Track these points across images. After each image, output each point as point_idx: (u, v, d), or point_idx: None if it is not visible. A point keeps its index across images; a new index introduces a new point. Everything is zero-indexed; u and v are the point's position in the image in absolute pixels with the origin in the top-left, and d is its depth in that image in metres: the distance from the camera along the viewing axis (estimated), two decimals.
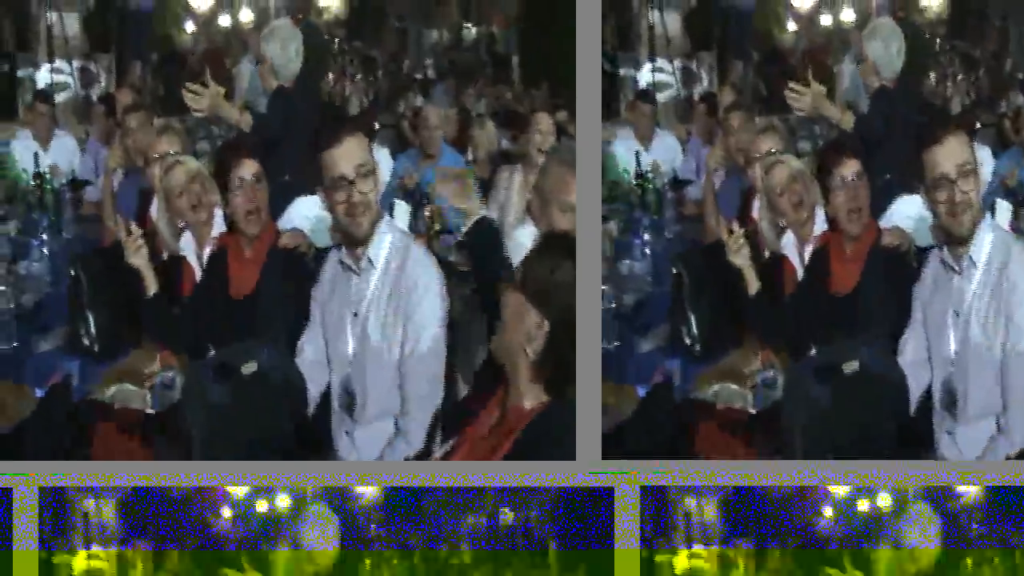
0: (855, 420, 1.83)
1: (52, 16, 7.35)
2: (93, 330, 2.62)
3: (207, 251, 2.78)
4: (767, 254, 2.93)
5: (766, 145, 3.23)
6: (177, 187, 2.86)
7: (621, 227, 3.45)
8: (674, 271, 2.79)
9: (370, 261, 2.32)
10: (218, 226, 2.81)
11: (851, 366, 1.90)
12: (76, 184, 4.90)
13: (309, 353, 2.36)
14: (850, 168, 2.64)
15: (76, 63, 7.42)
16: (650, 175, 4.10)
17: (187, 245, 2.89)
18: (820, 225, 2.83)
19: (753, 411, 2.38)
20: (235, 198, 2.61)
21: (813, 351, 2.33)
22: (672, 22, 6.45)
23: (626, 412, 2.44)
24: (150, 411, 2.19)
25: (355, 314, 2.33)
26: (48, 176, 4.93)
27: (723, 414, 2.18)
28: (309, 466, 1.90)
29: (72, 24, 7.47)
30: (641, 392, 2.55)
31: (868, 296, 2.46)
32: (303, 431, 2.12)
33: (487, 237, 2.89)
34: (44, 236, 3.45)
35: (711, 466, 2.04)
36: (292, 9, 7.06)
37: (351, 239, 2.35)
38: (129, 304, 2.59)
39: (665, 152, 4.59)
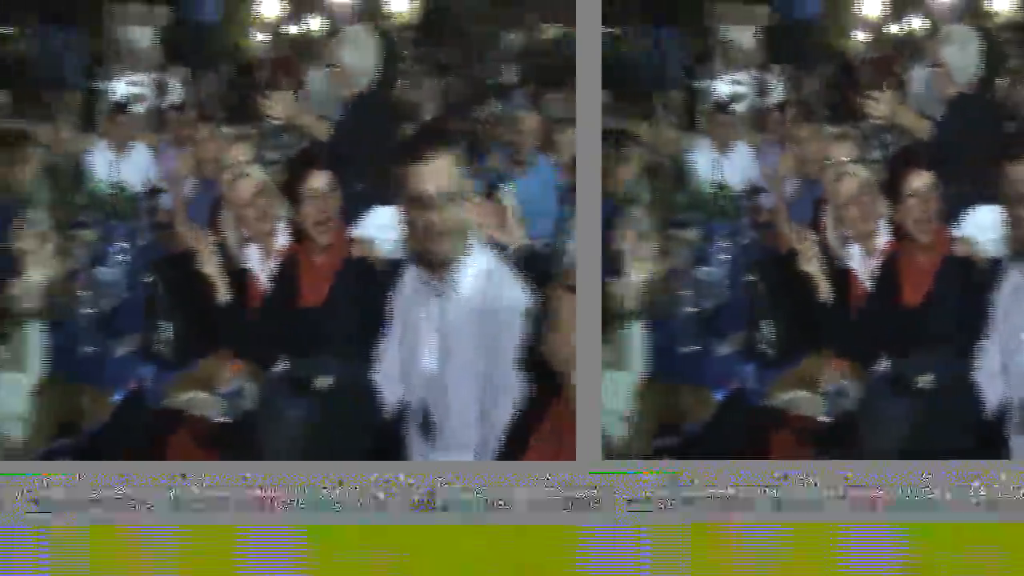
0: (930, 433, 1.80)
1: (128, 30, 7.59)
2: (167, 336, 2.68)
3: (272, 263, 2.84)
4: (835, 264, 2.89)
5: (839, 153, 3.20)
6: (243, 199, 2.94)
7: (701, 234, 3.55)
8: (749, 278, 2.72)
9: (454, 285, 2.30)
10: (282, 238, 2.88)
11: (926, 379, 1.88)
12: (151, 192, 5.04)
13: (387, 366, 2.36)
14: (922, 178, 2.59)
15: (151, 75, 7.68)
16: (726, 184, 4.24)
17: (253, 257, 2.96)
18: (886, 237, 2.78)
19: (825, 420, 2.36)
20: (306, 208, 2.64)
21: (885, 363, 2.29)
22: (746, 35, 6.71)
23: (704, 416, 2.45)
24: (223, 420, 2.23)
25: (437, 333, 2.30)
26: (124, 184, 5.08)
27: (796, 421, 2.16)
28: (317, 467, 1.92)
29: (146, 37, 7.71)
30: (718, 396, 2.56)
31: (940, 307, 2.40)
32: (379, 442, 2.13)
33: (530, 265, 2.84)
34: (121, 243, 3.54)
35: (711, 466, 2.12)
36: (363, 15, 7.19)
37: (428, 260, 2.32)
38: (201, 312, 2.65)
39: (741, 161, 4.67)
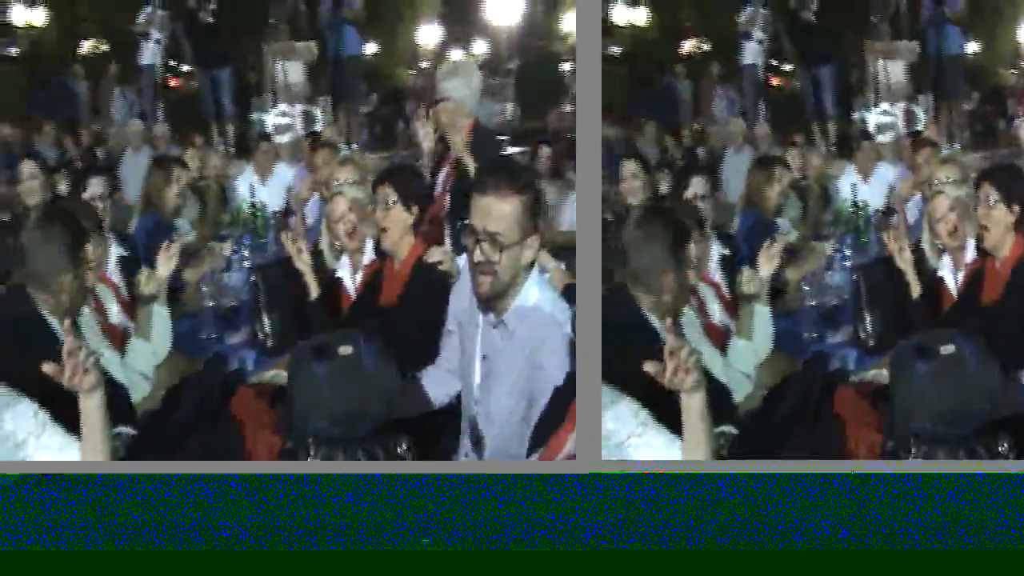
0: (946, 395, 2.14)
1: (280, 65, 8.33)
2: (267, 329, 3.16)
3: (359, 274, 3.18)
4: (929, 271, 3.29)
5: (943, 174, 3.52)
6: (336, 214, 3.26)
7: (835, 246, 4.18)
8: (853, 279, 3.45)
9: (503, 322, 2.28)
10: (369, 254, 3.19)
11: (947, 349, 2.20)
12: (285, 212, 5.64)
13: (435, 369, 2.47)
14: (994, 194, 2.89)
15: (299, 107, 8.42)
16: (865, 204, 4.91)
17: (344, 268, 3.32)
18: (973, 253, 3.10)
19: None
20: (380, 221, 2.96)
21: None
22: (896, 69, 7.22)
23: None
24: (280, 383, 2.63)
25: (484, 357, 2.32)
26: (261, 205, 5.71)
27: (861, 386, 2.49)
28: (317, 465, 2.13)
29: (297, 72, 8.44)
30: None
31: (1010, 304, 2.67)
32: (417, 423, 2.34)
33: None
34: (245, 252, 4.10)
35: (712, 465, 2.20)
36: (523, 46, 7.66)
37: (478, 297, 2.32)
38: (295, 309, 3.11)
39: (880, 185, 5.45)
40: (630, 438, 2.07)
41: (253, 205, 5.67)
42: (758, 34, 7.54)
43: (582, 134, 2.41)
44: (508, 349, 2.26)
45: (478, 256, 2.26)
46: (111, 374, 2.52)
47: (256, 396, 2.11)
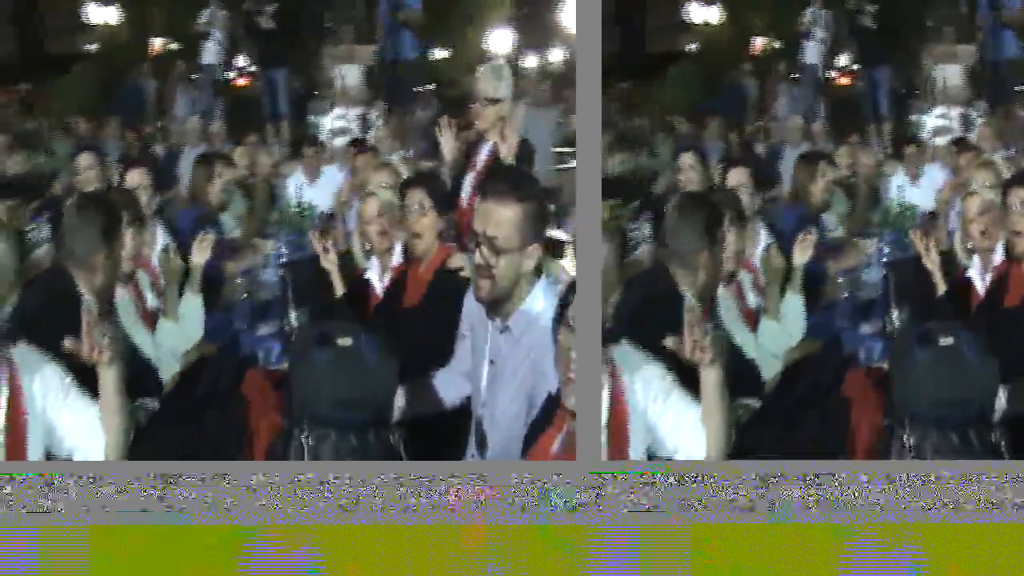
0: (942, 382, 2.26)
1: (339, 68, 8.57)
2: (293, 323, 3.34)
3: (387, 276, 3.28)
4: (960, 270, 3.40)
5: (980, 177, 3.61)
6: (367, 216, 3.37)
7: (878, 244, 4.39)
8: (884, 275, 3.63)
9: (508, 328, 2.33)
10: (398, 257, 3.29)
11: (946, 340, 2.34)
12: (329, 214, 5.85)
13: (447, 371, 2.54)
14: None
15: (356, 110, 8.65)
16: (911, 204, 5.26)
17: (373, 269, 3.42)
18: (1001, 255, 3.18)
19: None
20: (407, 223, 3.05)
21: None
22: (953, 73, 7.45)
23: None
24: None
25: (491, 362, 2.37)
26: (308, 205, 5.95)
27: (870, 371, 2.65)
28: (311, 465, 2.19)
29: (354, 75, 8.67)
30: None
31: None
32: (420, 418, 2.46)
33: None
34: (284, 250, 4.32)
35: (711, 465, 2.31)
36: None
37: (478, 300, 2.37)
38: (321, 305, 3.29)
39: (929, 187, 5.73)
40: (655, 401, 2.17)
41: (299, 205, 5.92)
42: (819, 34, 7.63)
43: (582, 133, 2.42)
44: (513, 354, 2.32)
45: (478, 259, 2.32)
46: (143, 353, 2.78)
47: (264, 379, 2.31)
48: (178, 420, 2.24)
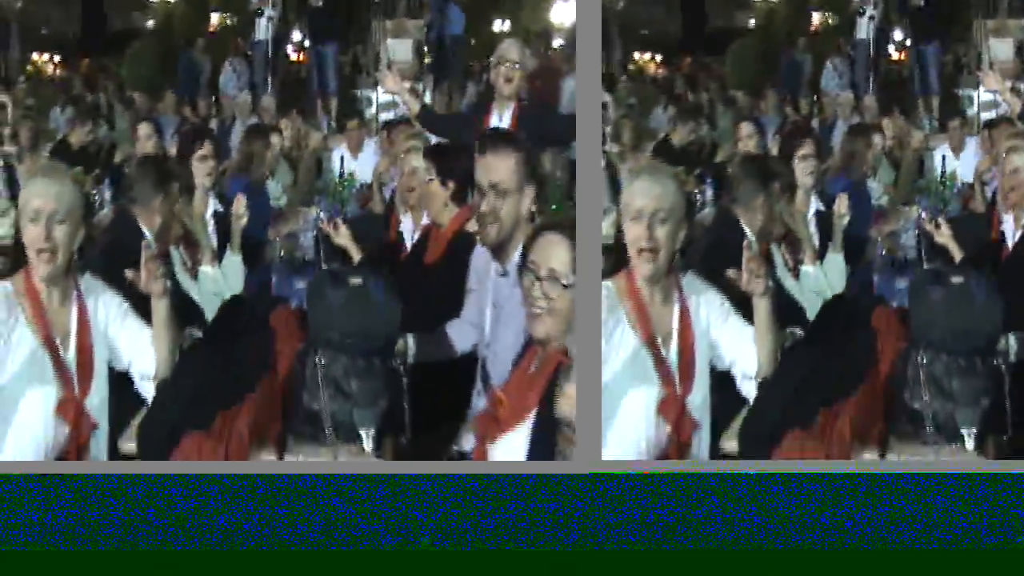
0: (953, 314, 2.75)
1: (388, 42, 8.97)
2: None
3: (417, 233, 3.79)
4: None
5: (1012, 143, 4.01)
6: (404, 184, 3.89)
7: (919, 212, 4.88)
8: (916, 235, 4.21)
9: (508, 272, 2.70)
10: (426, 216, 3.72)
11: (958, 279, 2.84)
12: (371, 185, 6.32)
13: (458, 321, 2.93)
14: None
15: (406, 84, 9.04)
16: (953, 175, 5.75)
17: (406, 226, 3.96)
18: None
19: None
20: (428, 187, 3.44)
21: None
22: (1004, 48, 7.76)
23: None
24: None
25: (494, 305, 2.78)
26: (349, 177, 6.45)
27: (897, 309, 3.05)
28: (310, 464, 2.56)
29: (405, 50, 9.08)
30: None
31: None
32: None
33: None
34: (323, 215, 4.84)
35: (710, 466, 2.65)
36: None
37: (485, 246, 2.80)
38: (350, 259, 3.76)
39: (970, 159, 6.22)
40: (715, 322, 2.61)
41: (341, 176, 6.44)
42: (870, 10, 8.02)
43: (582, 133, 2.62)
44: (513, 296, 2.62)
45: (484, 207, 2.76)
46: (189, 294, 3.35)
47: (290, 314, 2.78)
48: (216, 344, 2.76)
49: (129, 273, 2.57)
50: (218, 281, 3.45)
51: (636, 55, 9.03)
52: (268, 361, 2.63)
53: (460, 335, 3.02)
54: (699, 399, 2.62)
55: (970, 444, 2.66)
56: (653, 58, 9.19)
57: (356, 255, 3.65)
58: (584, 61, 2.64)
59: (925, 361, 2.71)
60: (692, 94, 8.33)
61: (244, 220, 3.75)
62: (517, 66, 4.24)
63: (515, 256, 2.72)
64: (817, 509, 2.64)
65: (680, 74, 8.90)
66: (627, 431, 2.56)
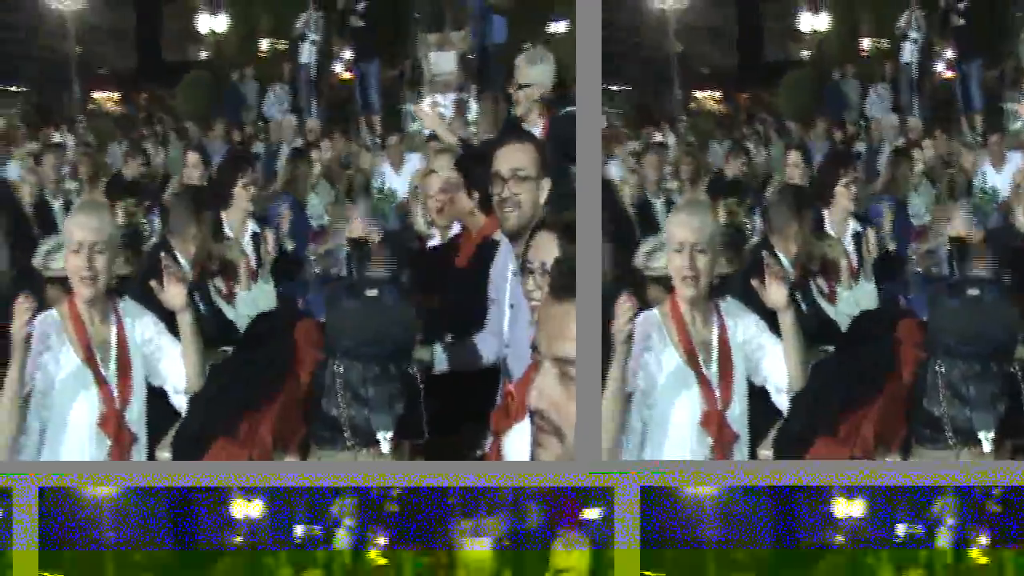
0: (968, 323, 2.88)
1: (432, 55, 9.21)
2: None
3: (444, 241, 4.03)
4: None
5: None
6: (429, 191, 4.02)
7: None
8: (947, 250, 4.35)
9: (521, 265, 2.76)
10: (457, 227, 3.92)
11: (973, 291, 3.00)
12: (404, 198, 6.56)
13: (484, 330, 3.05)
14: None
15: (452, 96, 9.28)
16: (992, 188, 6.24)
17: (436, 240, 4.17)
18: None
19: None
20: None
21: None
22: None
23: None
24: None
25: (511, 306, 2.88)
26: (390, 191, 6.71)
27: (920, 321, 3.17)
28: (307, 465, 2.68)
29: (449, 61, 9.30)
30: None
31: None
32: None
33: None
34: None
35: (710, 466, 2.76)
36: None
37: (506, 233, 2.93)
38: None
39: (1010, 170, 6.48)
40: (750, 340, 2.85)
41: (381, 191, 6.72)
42: (913, 34, 8.30)
43: (582, 133, 2.66)
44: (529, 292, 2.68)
45: (505, 194, 2.84)
46: (226, 315, 3.63)
47: (312, 326, 3.01)
48: (242, 356, 3.02)
49: (153, 283, 2.86)
50: (253, 304, 3.72)
51: (697, 93, 9.38)
52: (289, 368, 2.86)
53: (486, 346, 3.18)
54: (738, 411, 2.84)
55: (988, 447, 2.78)
56: (712, 95, 9.52)
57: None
58: (584, 62, 2.71)
59: (942, 368, 2.85)
60: (748, 127, 8.62)
61: (273, 255, 3.98)
62: (535, 88, 4.24)
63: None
64: (817, 510, 2.71)
65: (737, 108, 9.24)
66: (674, 442, 2.79)
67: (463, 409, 3.08)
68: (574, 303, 1.50)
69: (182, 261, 3.44)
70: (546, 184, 2.91)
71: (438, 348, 3.21)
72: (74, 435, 2.79)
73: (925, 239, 4.86)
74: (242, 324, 3.63)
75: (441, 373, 3.16)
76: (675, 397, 2.79)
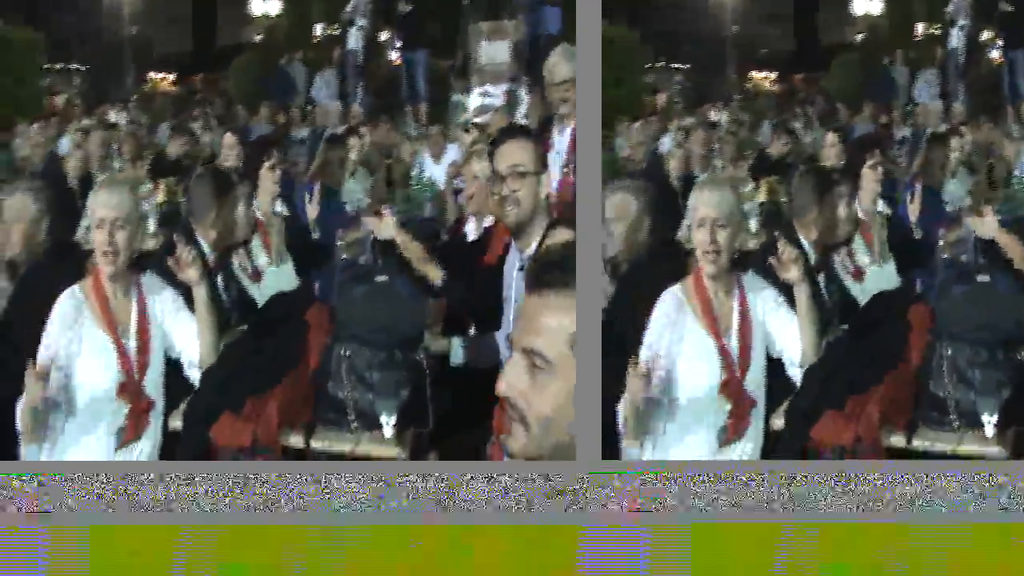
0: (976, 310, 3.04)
1: (484, 44, 9.25)
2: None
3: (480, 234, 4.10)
4: None
5: None
6: (468, 188, 4.18)
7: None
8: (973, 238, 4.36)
9: (522, 266, 2.89)
10: (491, 218, 3.98)
11: (983, 278, 3.11)
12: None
13: (505, 323, 3.10)
14: None
15: (503, 86, 9.32)
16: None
17: (470, 230, 4.27)
18: None
19: None
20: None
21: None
22: None
23: None
24: None
25: (516, 302, 2.97)
26: (430, 181, 6.81)
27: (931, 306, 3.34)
28: (305, 466, 2.76)
29: (502, 51, 9.33)
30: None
31: None
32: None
33: None
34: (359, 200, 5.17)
35: (709, 466, 2.84)
36: None
37: (511, 231, 3.00)
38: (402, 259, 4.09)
39: None
40: (769, 314, 2.99)
41: (420, 181, 6.81)
42: (961, 20, 8.25)
43: (582, 133, 2.76)
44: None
45: (504, 191, 2.93)
46: (250, 295, 3.77)
47: (323, 310, 3.13)
48: (255, 337, 3.15)
49: (170, 260, 3.00)
50: (275, 283, 3.85)
51: (753, 74, 9.49)
52: (299, 352, 2.98)
53: (503, 343, 3.22)
54: (755, 381, 2.99)
55: (990, 432, 2.84)
56: (767, 76, 9.60)
57: (408, 249, 3.90)
58: (584, 61, 2.74)
59: (948, 352, 2.89)
60: (799, 108, 8.67)
61: (281, 236, 4.10)
62: (567, 85, 4.13)
63: (530, 249, 2.92)
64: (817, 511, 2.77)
65: (792, 90, 9.31)
66: (695, 408, 2.92)
67: (477, 403, 3.19)
68: (547, 296, 1.54)
69: (200, 241, 3.54)
70: (545, 179, 2.97)
71: (456, 341, 3.28)
72: (95, 401, 2.91)
73: (956, 227, 4.78)
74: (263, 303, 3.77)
75: (458, 367, 3.22)
76: (696, 365, 2.93)
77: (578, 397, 1.48)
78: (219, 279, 3.52)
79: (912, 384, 3.02)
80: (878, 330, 3.17)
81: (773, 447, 2.95)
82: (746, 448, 2.92)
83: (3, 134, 7.49)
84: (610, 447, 2.73)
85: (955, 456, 2.92)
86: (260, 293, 3.82)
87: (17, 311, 3.22)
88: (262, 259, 4.03)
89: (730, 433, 2.90)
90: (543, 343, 1.53)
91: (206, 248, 3.53)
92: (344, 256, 4.76)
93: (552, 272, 1.55)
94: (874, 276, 3.92)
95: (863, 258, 4.04)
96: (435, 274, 3.44)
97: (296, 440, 2.86)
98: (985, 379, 2.91)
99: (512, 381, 1.55)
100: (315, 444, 2.86)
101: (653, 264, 3.30)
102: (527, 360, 1.55)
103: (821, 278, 3.58)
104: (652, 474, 2.67)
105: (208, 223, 3.58)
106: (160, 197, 5.02)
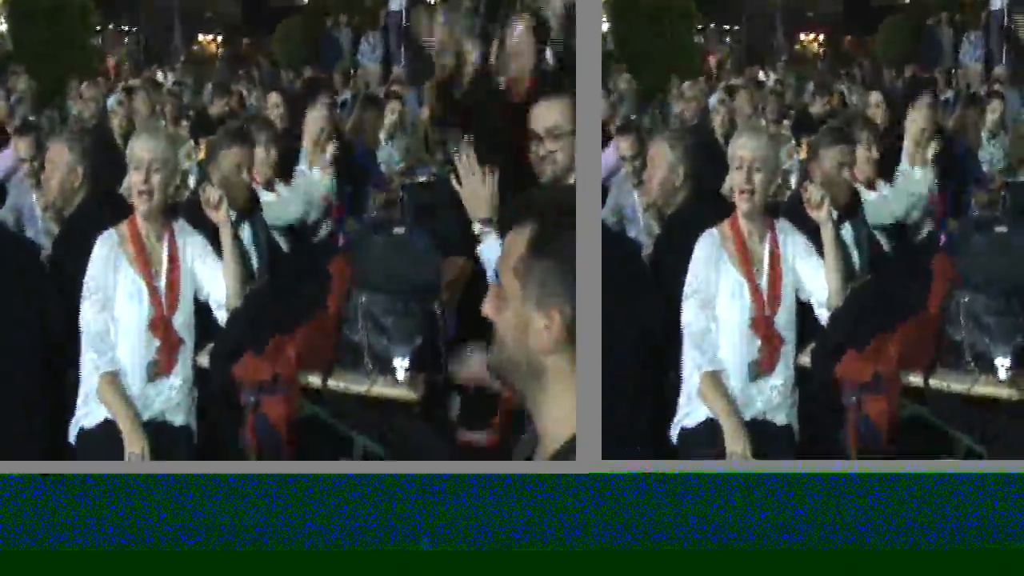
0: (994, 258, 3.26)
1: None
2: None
3: None
4: None
5: None
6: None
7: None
8: (1002, 194, 4.74)
9: None
10: None
11: (1000, 228, 3.32)
12: None
13: None
14: None
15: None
16: None
17: None
18: None
19: None
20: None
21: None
22: None
23: None
24: None
25: None
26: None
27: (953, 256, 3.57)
28: (305, 466, 2.87)
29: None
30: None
31: None
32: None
33: None
34: (420, 179, 5.39)
35: (709, 466, 2.93)
36: None
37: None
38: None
39: None
40: (798, 256, 3.24)
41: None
42: None
43: (582, 132, 2.74)
44: None
45: (542, 152, 3.06)
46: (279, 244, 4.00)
47: (346, 260, 3.33)
48: (284, 282, 3.37)
49: (202, 197, 3.27)
50: (312, 183, 4.03)
51: (802, 35, 9.59)
52: (323, 298, 3.19)
53: None
54: (784, 319, 3.26)
55: (1003, 375, 3.09)
56: (816, 38, 9.68)
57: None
58: (584, 59, 2.79)
59: (966, 300, 3.15)
60: (845, 70, 8.74)
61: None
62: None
63: None
64: (818, 511, 2.79)
65: (839, 52, 9.36)
66: (728, 342, 3.18)
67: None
68: (520, 230, 1.56)
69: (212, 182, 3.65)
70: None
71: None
72: (129, 335, 3.19)
73: (989, 186, 5.02)
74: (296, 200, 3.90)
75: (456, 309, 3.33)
76: (731, 302, 3.21)
77: (578, 397, 1.49)
78: (246, 227, 3.75)
79: (932, 328, 3.24)
80: (901, 278, 3.40)
81: (799, 382, 3.21)
82: (776, 383, 3.19)
83: (59, 95, 7.82)
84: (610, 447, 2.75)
85: (969, 396, 3.12)
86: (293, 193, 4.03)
87: (62, 252, 3.50)
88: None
89: (762, 367, 3.18)
90: (503, 271, 1.65)
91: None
92: (374, 214, 5.00)
93: (531, 209, 1.63)
94: (910, 176, 4.13)
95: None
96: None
97: (314, 379, 3.08)
98: (1000, 325, 3.09)
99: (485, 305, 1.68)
100: (332, 384, 3.07)
101: (695, 210, 3.54)
102: (495, 287, 1.67)
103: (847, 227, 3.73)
104: (653, 473, 2.71)
105: (216, 166, 3.70)
106: (201, 155, 5.27)
